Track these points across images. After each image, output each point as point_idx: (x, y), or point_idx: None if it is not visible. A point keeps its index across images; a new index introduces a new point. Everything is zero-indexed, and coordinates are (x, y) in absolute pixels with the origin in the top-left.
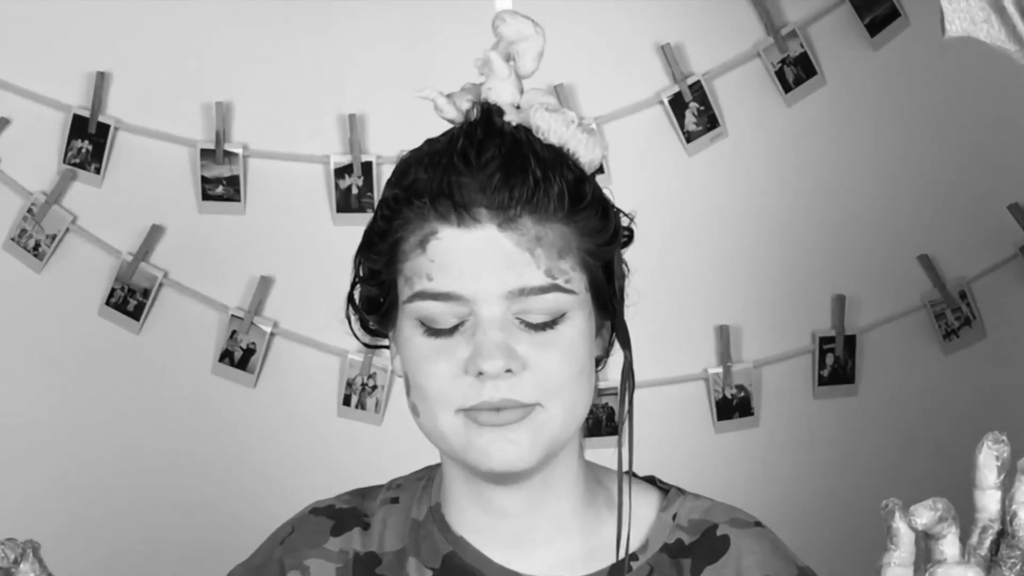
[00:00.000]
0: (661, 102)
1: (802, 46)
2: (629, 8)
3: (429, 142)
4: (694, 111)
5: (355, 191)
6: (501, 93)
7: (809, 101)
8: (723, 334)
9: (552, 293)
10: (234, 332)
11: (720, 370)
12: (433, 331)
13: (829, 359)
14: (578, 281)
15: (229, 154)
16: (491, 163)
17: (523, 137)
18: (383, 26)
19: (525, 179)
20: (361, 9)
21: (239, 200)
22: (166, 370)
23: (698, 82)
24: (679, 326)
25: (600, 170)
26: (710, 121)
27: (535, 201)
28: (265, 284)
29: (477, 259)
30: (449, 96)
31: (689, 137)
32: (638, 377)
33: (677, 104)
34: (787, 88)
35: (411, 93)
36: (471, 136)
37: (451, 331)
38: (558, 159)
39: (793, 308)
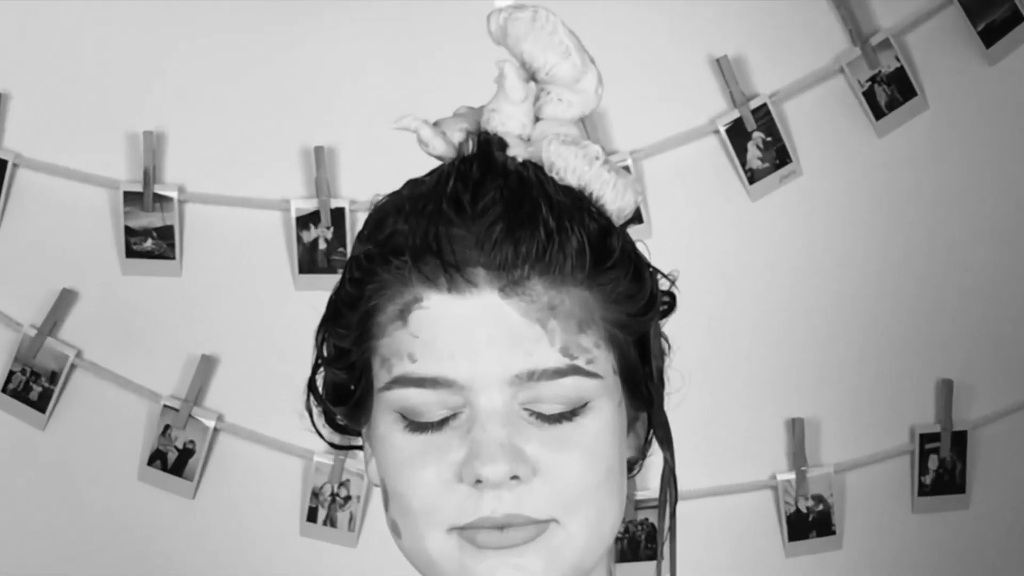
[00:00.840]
0: (716, 131)
1: (897, 59)
2: (675, 11)
3: (412, 184)
4: (759, 143)
5: (323, 245)
6: (507, 120)
7: (906, 130)
8: (796, 429)
9: (570, 377)
10: (167, 427)
11: (792, 476)
12: (417, 425)
13: (932, 462)
14: (604, 361)
15: (161, 198)
16: (491, 210)
17: (532, 177)
18: (361, 40)
19: (534, 231)
20: (334, 17)
21: (173, 257)
22: (80, 476)
23: (764, 105)
24: (738, 419)
25: (637, 219)
26: (779, 156)
27: (547, 259)
28: (207, 366)
29: (473, 334)
30: (436, 125)
31: (752, 176)
32: (686, 485)
33: (737, 134)
34: (878, 113)
35: (390, 123)
36: (465, 176)
37: (440, 424)
38: (577, 205)
39: (886, 397)
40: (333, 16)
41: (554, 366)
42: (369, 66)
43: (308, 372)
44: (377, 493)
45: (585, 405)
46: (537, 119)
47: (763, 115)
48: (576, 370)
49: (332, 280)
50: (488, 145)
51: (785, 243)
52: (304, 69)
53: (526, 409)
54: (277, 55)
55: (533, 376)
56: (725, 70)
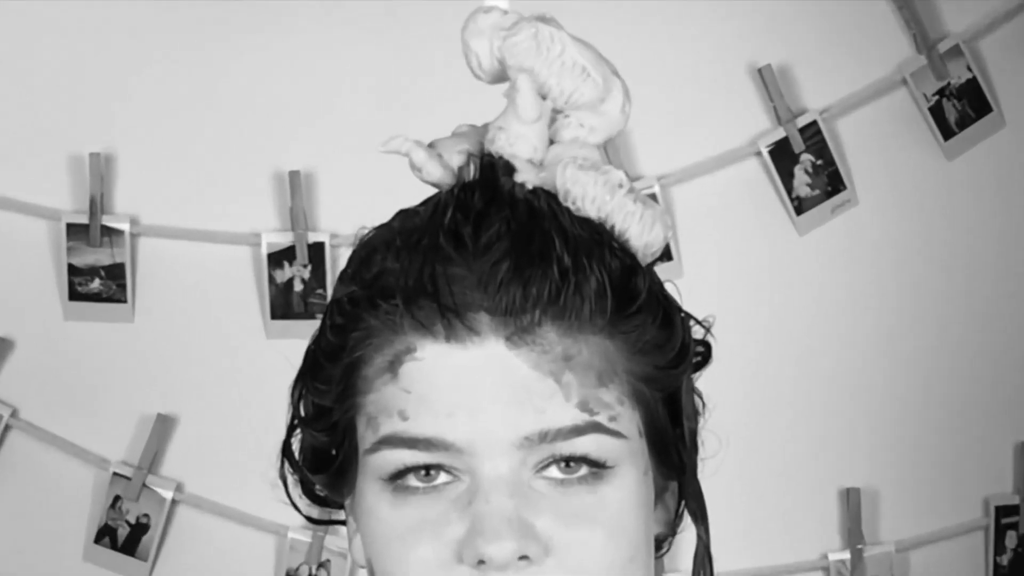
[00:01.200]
0: (758, 153)
1: (969, 69)
2: (709, 14)
3: (403, 215)
4: (807, 166)
5: (299, 287)
6: (516, 140)
7: (980, 152)
8: (851, 501)
9: (589, 436)
10: (117, 499)
11: (847, 555)
12: (408, 489)
13: (1010, 539)
14: (628, 421)
15: (110, 231)
16: (496, 246)
17: (544, 207)
18: (344, 49)
19: (547, 270)
20: (312, 23)
21: (125, 300)
22: (16, 556)
23: (814, 123)
24: (784, 489)
25: (666, 256)
26: (831, 181)
27: (562, 303)
28: (163, 427)
29: (475, 389)
30: (432, 146)
31: (800, 206)
32: (723, 566)
33: (782, 156)
34: (947, 132)
35: (377, 145)
36: (466, 205)
37: (436, 494)
38: (597, 240)
39: (955, 463)
40: (311, 22)
41: (571, 423)
42: (353, 79)
43: (282, 434)
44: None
45: (607, 471)
46: (551, 142)
47: (812, 134)
48: (597, 427)
49: (310, 327)
50: (493, 170)
51: (838, 284)
52: (277, 82)
53: (539, 475)
54: (245, 66)
55: (546, 437)
56: (768, 82)
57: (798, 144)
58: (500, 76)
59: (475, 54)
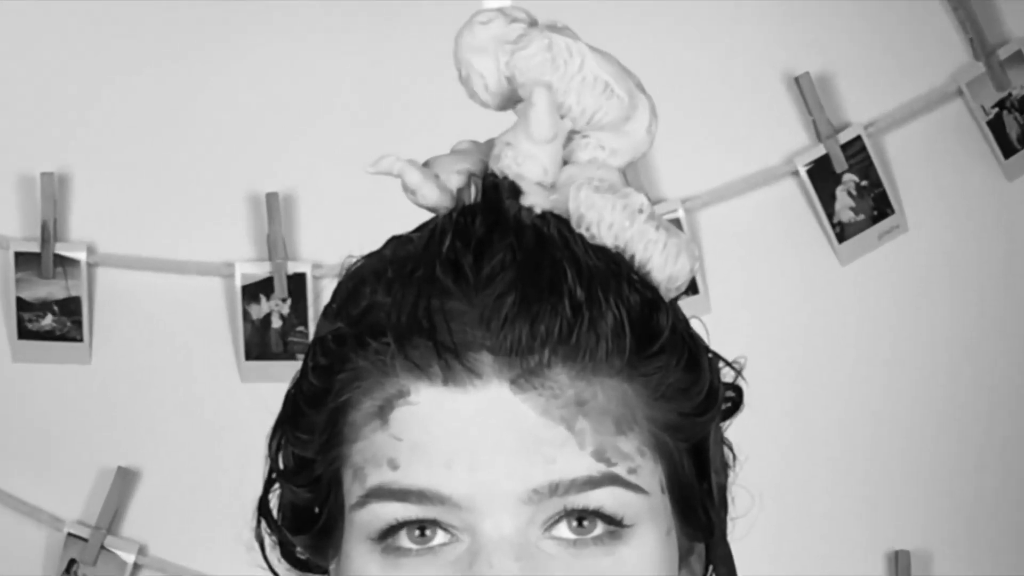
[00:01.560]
0: (795, 173)
1: None
2: (739, 17)
3: (395, 243)
4: (851, 188)
5: (277, 323)
6: (525, 160)
7: None
8: (900, 564)
9: (605, 488)
10: (72, 563)
11: None
12: (400, 550)
13: None
14: (649, 474)
15: (64, 260)
16: (500, 277)
17: (555, 234)
18: (327, 59)
19: (557, 305)
20: (292, 31)
21: (81, 339)
22: None
23: (858, 139)
24: (826, 552)
25: (691, 290)
26: (877, 205)
27: (574, 341)
28: (124, 482)
29: (477, 438)
30: (427, 166)
31: (843, 232)
32: None
33: (822, 176)
34: (1008, 149)
35: (365, 165)
36: (466, 232)
37: (430, 551)
38: (614, 272)
39: (1017, 521)
40: (292, 25)
41: (585, 474)
42: (338, 90)
43: (258, 490)
44: None
45: (625, 529)
46: (565, 162)
47: (856, 151)
48: (614, 480)
49: (290, 369)
50: (496, 191)
51: (885, 320)
52: (253, 94)
53: (548, 535)
54: (217, 76)
55: (556, 490)
56: (806, 92)
57: (840, 163)
58: (510, 99)
59: (480, 75)
